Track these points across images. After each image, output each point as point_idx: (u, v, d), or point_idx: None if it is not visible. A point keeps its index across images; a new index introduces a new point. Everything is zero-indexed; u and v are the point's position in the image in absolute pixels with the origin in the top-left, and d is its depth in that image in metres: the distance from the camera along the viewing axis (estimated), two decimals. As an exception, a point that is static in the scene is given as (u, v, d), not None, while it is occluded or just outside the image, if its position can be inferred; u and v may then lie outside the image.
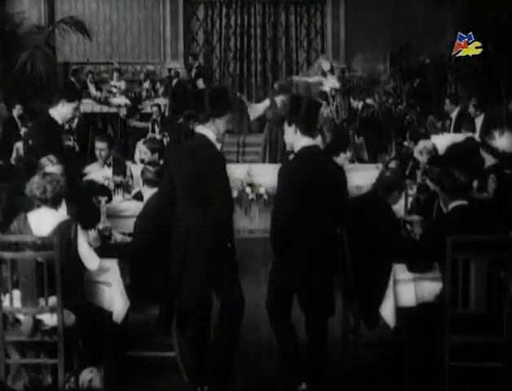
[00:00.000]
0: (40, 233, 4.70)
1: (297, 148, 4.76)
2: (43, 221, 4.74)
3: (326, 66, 11.11)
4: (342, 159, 7.72)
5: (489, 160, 6.84)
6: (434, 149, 7.21)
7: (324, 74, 11.07)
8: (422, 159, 6.99)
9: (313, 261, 4.67)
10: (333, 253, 4.79)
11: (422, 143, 7.32)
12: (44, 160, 6.03)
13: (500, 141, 8.11)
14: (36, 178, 4.87)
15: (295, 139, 4.76)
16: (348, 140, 12.09)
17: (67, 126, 12.30)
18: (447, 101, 11.77)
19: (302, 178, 4.63)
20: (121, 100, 13.86)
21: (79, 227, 4.79)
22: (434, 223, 5.21)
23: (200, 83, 14.25)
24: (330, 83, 11.04)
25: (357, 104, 13.30)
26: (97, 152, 7.77)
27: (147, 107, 14.00)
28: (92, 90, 14.34)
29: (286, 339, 4.87)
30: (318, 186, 4.62)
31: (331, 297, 4.79)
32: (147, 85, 14.60)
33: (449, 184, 4.90)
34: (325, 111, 11.10)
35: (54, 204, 4.78)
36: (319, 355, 4.84)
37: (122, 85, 14.55)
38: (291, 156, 4.94)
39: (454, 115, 11.57)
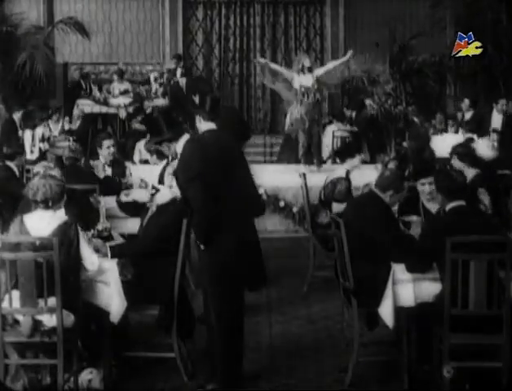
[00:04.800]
0: (36, 235, 4.69)
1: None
2: (39, 223, 4.72)
3: (307, 62, 10.86)
4: (357, 160, 7.67)
5: (470, 173, 6.59)
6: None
7: (303, 71, 10.80)
8: None
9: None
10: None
11: None
12: (38, 167, 6.09)
13: (478, 148, 8.08)
14: (34, 180, 4.88)
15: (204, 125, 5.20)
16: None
17: (67, 127, 12.33)
18: (466, 100, 11.92)
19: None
20: (123, 100, 13.80)
21: (79, 228, 4.79)
22: (432, 224, 5.21)
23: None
24: (304, 81, 10.76)
25: (350, 113, 13.33)
26: (106, 151, 7.80)
27: (147, 107, 13.96)
28: (94, 90, 14.31)
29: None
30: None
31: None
32: (157, 85, 14.52)
33: (446, 185, 4.90)
34: (295, 110, 10.87)
35: (45, 206, 4.74)
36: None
37: (126, 85, 14.46)
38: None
39: (468, 116, 11.69)
